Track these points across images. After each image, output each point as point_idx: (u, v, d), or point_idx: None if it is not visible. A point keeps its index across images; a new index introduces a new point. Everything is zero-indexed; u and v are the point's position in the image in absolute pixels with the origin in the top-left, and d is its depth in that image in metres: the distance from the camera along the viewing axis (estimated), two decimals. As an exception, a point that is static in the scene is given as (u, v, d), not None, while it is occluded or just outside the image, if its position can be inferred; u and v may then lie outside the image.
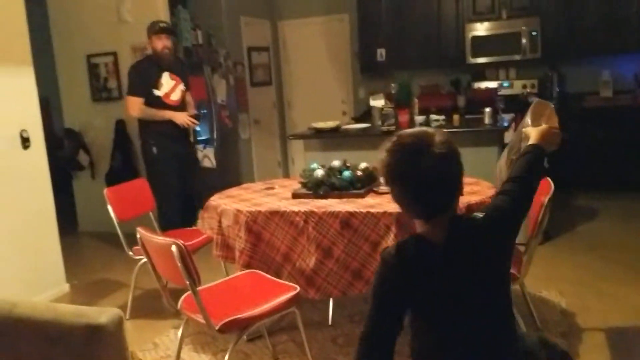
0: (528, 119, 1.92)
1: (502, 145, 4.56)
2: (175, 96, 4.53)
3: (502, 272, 1.61)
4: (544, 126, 1.81)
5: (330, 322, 3.35)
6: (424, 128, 1.55)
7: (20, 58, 3.99)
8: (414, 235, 1.55)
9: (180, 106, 4.57)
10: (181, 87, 4.58)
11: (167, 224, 4.31)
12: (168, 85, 4.49)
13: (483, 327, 1.55)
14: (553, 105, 2.01)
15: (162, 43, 4.42)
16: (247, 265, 2.96)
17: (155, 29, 4.44)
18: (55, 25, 5.74)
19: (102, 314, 1.54)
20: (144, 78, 4.44)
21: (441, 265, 1.49)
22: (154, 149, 4.50)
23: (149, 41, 4.49)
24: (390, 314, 1.55)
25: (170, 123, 4.43)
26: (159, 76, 4.45)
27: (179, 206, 4.61)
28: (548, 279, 3.80)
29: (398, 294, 1.53)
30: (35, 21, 4.66)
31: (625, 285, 3.65)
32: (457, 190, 1.51)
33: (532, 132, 1.79)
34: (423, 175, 1.43)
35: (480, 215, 1.56)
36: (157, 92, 4.44)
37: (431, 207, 1.48)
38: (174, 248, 2.29)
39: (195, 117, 4.57)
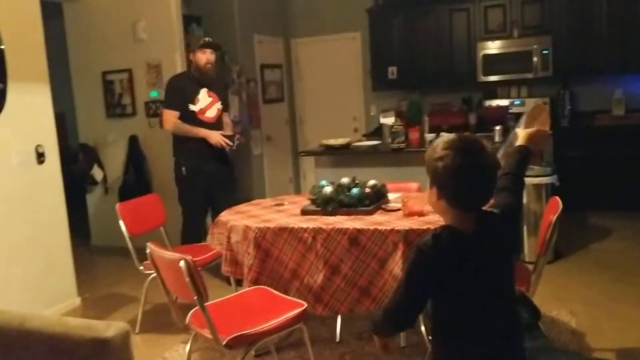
0: (523, 120, 2.13)
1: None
2: (211, 113, 4.41)
3: (512, 258, 1.85)
4: (532, 129, 2.02)
5: (338, 339, 3.35)
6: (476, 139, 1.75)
7: (37, 75, 4.08)
8: (447, 226, 1.74)
9: (216, 124, 4.44)
10: (218, 105, 4.46)
11: (186, 240, 4.36)
12: (204, 102, 4.38)
13: (499, 309, 1.77)
14: (548, 110, 2.19)
15: (206, 57, 4.32)
16: (255, 281, 2.97)
17: (200, 43, 4.35)
18: (71, 43, 5.87)
19: (109, 327, 1.56)
20: (181, 92, 4.36)
21: (470, 252, 1.71)
22: (183, 169, 4.40)
23: (192, 54, 4.38)
24: (420, 296, 1.76)
25: (204, 142, 4.31)
26: (197, 92, 4.36)
27: (202, 224, 4.63)
28: (559, 299, 3.77)
29: (430, 279, 1.72)
30: (52, 38, 4.76)
31: (638, 307, 3.60)
32: (494, 192, 1.75)
33: (520, 134, 2.02)
34: (481, 171, 1.67)
35: (496, 211, 1.80)
36: (192, 107, 4.34)
37: (479, 200, 1.72)
38: (182, 263, 2.32)
39: (230, 137, 4.38)
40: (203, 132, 4.32)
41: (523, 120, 2.11)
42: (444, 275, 1.70)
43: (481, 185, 1.68)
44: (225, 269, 3.16)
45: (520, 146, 1.99)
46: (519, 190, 1.90)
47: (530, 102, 6.40)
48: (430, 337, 1.89)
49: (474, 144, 1.69)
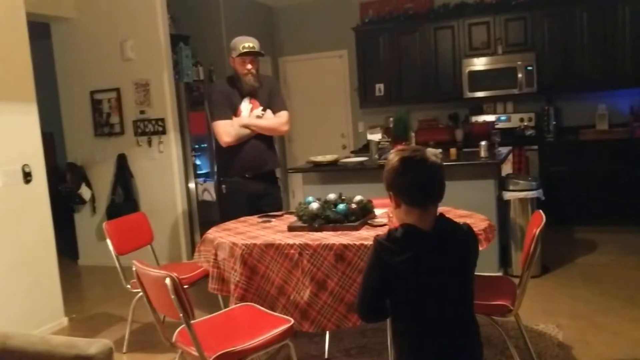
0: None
1: (498, 178, 4.60)
2: None
3: (470, 268, 1.92)
4: None
5: (326, 356, 3.34)
6: (421, 147, 1.96)
7: (24, 95, 4.09)
8: (405, 224, 1.86)
9: (257, 135, 4.11)
10: (257, 111, 4.10)
11: None
12: (245, 112, 4.07)
13: (454, 309, 1.85)
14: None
15: (245, 66, 3.99)
16: (242, 299, 2.97)
17: (238, 52, 3.96)
18: (59, 62, 5.89)
19: (91, 345, 1.57)
20: (227, 98, 4.03)
21: (425, 247, 1.81)
22: (224, 187, 4.16)
23: (232, 61, 4.05)
24: (379, 289, 1.84)
25: (248, 159, 4.04)
26: (239, 101, 4.04)
27: None
28: (546, 313, 3.79)
29: (387, 272, 1.80)
30: (41, 58, 4.78)
31: (624, 320, 3.63)
32: (443, 191, 1.88)
33: None
34: (428, 172, 1.85)
35: (461, 223, 1.95)
36: (234, 119, 4.05)
37: (428, 196, 1.85)
38: (167, 281, 2.32)
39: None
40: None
41: None
42: (399, 267, 1.78)
43: (428, 178, 1.84)
44: (212, 286, 3.16)
45: None
46: None
47: (516, 118, 6.52)
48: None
49: (421, 153, 1.86)
